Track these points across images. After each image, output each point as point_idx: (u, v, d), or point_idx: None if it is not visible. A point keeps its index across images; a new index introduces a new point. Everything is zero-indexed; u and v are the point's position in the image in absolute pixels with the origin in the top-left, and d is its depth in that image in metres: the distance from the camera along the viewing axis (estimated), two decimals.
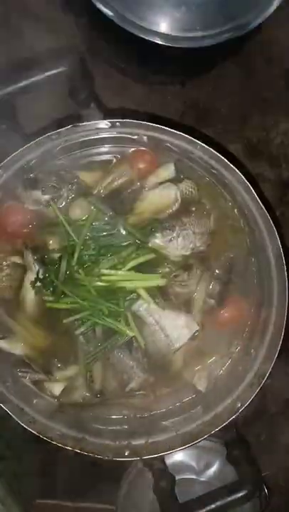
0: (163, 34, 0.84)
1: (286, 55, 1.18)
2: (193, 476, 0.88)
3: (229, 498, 0.70)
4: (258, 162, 1.22)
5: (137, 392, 0.86)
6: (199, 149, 0.76)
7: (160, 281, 0.83)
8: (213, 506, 0.69)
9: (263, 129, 1.21)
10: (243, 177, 0.74)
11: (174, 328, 0.85)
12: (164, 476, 0.74)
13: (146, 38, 0.82)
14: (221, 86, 1.19)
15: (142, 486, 0.92)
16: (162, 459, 0.76)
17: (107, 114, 0.71)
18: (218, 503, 0.70)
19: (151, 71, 1.08)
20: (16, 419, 0.73)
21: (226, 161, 0.78)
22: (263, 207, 0.73)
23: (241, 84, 1.20)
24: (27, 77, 0.63)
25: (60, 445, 0.73)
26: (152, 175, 0.84)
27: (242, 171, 0.81)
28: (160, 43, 0.80)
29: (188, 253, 0.85)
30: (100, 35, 0.83)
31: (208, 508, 0.69)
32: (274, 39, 1.16)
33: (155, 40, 0.80)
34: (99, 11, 0.77)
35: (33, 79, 0.63)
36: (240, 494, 0.70)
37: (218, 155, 0.77)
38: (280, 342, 0.73)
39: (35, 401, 0.81)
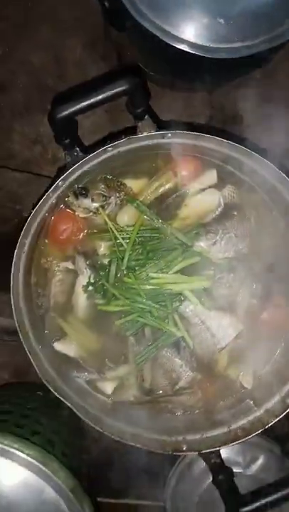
0: (199, 45, 0.87)
1: None
2: (240, 470, 0.92)
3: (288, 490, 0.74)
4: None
5: (186, 390, 0.90)
6: (242, 154, 0.79)
7: (205, 283, 0.87)
8: (276, 496, 0.72)
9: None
10: (283, 174, 0.77)
11: (220, 328, 0.88)
12: (222, 469, 0.78)
13: (188, 50, 0.85)
14: (246, 91, 1.22)
15: (189, 479, 0.96)
16: (218, 453, 0.80)
17: (159, 125, 0.74)
18: (280, 493, 0.73)
19: (182, 81, 1.12)
20: (80, 415, 0.77)
21: (267, 161, 0.79)
22: None
23: (266, 88, 1.23)
24: (89, 98, 0.66)
25: (121, 440, 0.77)
26: (196, 181, 0.88)
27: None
28: (202, 54, 0.83)
29: (231, 255, 0.89)
30: (147, 52, 0.86)
31: (271, 497, 0.73)
32: None
33: (197, 52, 0.84)
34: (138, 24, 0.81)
35: (94, 99, 0.66)
36: None
37: (260, 157, 0.79)
38: None
39: (89, 400, 0.85)
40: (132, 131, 0.73)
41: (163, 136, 0.74)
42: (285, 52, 1.19)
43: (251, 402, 0.85)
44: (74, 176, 0.76)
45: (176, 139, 0.76)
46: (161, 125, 0.74)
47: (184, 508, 0.96)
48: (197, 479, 0.94)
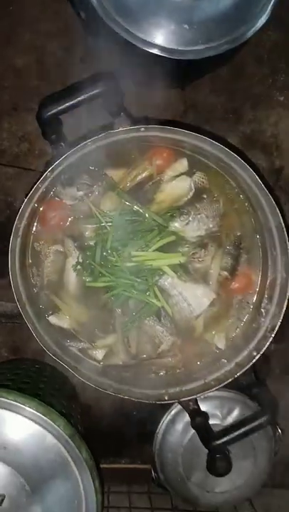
0: (168, 48, 0.97)
1: (272, 55, 1.33)
2: (218, 422, 1.05)
3: (252, 424, 0.88)
4: (253, 152, 1.38)
5: (168, 353, 1.02)
6: (208, 144, 0.90)
7: (181, 259, 0.98)
8: (240, 431, 0.86)
9: (256, 122, 1.36)
10: (246, 164, 0.89)
11: (195, 298, 1.00)
12: (198, 413, 0.91)
13: (154, 52, 0.95)
14: (217, 87, 1.34)
15: (173, 433, 1.08)
16: (195, 401, 0.92)
17: (133, 121, 0.85)
18: (244, 428, 0.87)
19: (155, 80, 1.22)
20: (76, 374, 0.89)
21: (231, 152, 0.91)
22: (266, 188, 0.88)
23: (234, 84, 1.35)
24: (71, 99, 0.77)
25: (114, 394, 0.89)
26: (169, 169, 0.99)
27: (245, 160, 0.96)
28: (170, 57, 0.94)
29: (203, 234, 1.00)
30: (121, 56, 0.96)
31: (237, 432, 0.86)
32: (261, 42, 1.32)
33: (166, 55, 0.94)
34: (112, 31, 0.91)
35: (75, 100, 0.77)
36: (261, 420, 0.88)
37: (223, 147, 0.90)
38: (286, 301, 0.89)
39: (83, 364, 0.97)
40: (109, 127, 0.84)
41: (137, 131, 0.85)
42: (249, 48, 1.32)
43: (225, 361, 0.98)
44: (60, 168, 0.87)
45: (148, 133, 0.87)
46: (135, 121, 0.85)
47: (171, 458, 1.09)
48: (181, 432, 1.07)
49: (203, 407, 1.02)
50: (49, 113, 0.77)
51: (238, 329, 1.01)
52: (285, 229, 0.87)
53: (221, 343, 1.01)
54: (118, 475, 1.42)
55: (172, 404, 1.08)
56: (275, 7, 0.97)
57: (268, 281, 0.97)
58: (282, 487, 1.38)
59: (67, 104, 0.77)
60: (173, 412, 1.07)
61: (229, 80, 1.34)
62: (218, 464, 1.02)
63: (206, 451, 1.06)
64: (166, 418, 1.08)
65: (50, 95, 0.79)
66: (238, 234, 1.02)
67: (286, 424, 1.39)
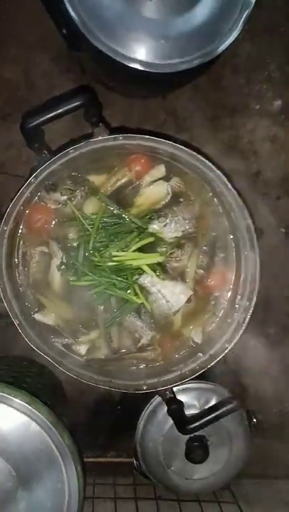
0: (147, 62, 1.04)
1: (247, 65, 1.40)
2: (196, 412, 1.11)
3: (222, 409, 0.94)
4: (231, 158, 1.45)
5: (148, 348, 1.08)
6: (183, 152, 0.97)
7: (159, 258, 1.04)
8: (212, 415, 0.93)
9: (233, 130, 1.44)
10: (218, 172, 0.95)
11: (173, 295, 1.07)
12: (174, 401, 0.97)
13: (134, 66, 1.02)
14: (195, 97, 1.41)
15: (154, 423, 1.14)
16: (171, 390, 0.99)
17: (112, 130, 0.92)
18: (215, 413, 0.94)
19: (137, 90, 1.29)
20: (59, 367, 0.95)
21: (204, 159, 0.97)
22: (236, 193, 0.95)
23: (213, 93, 1.42)
24: (52, 111, 0.84)
25: (94, 384, 0.95)
26: (147, 175, 1.06)
27: (218, 166, 1.03)
28: (148, 70, 1.00)
29: (180, 235, 1.07)
30: (103, 68, 1.03)
31: (208, 417, 0.93)
32: (237, 53, 1.39)
33: (144, 69, 1.00)
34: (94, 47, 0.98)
35: (56, 112, 0.84)
36: (231, 405, 0.94)
37: (198, 156, 0.97)
38: (255, 296, 0.96)
39: (67, 359, 1.03)
40: (89, 136, 0.90)
41: (114, 139, 0.91)
42: (225, 59, 1.40)
43: (200, 354, 1.04)
44: (44, 174, 0.93)
45: (126, 141, 0.93)
46: (113, 130, 0.91)
47: (151, 447, 1.14)
48: (161, 422, 1.13)
49: (182, 398, 1.08)
50: (31, 124, 0.84)
51: (213, 324, 1.08)
52: (253, 230, 0.94)
53: (197, 337, 1.07)
54: (104, 468, 1.48)
55: (153, 396, 1.14)
56: (246, 22, 1.04)
57: (241, 278, 1.03)
58: (262, 477, 1.44)
59: (48, 116, 0.84)
60: (154, 403, 1.13)
61: (208, 90, 1.41)
62: (196, 451, 1.09)
63: (185, 440, 1.12)
64: (148, 408, 1.14)
65: (32, 108, 0.85)
66: (213, 234, 1.09)
67: (267, 415, 1.46)
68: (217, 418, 0.94)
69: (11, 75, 1.28)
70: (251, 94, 1.43)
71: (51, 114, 0.83)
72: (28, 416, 0.86)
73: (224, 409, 0.94)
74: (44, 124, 0.84)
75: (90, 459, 1.49)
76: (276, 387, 1.40)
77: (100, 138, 0.89)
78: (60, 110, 0.83)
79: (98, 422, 1.44)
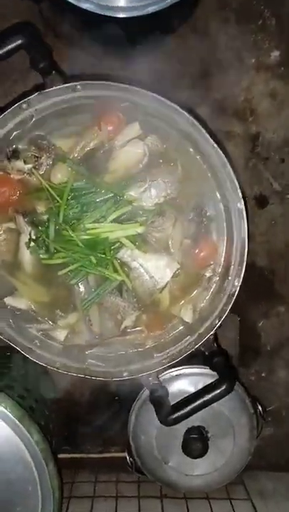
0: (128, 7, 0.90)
1: (238, 15, 1.25)
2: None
3: (211, 394, 0.82)
4: (226, 119, 1.31)
5: (132, 330, 0.97)
6: (155, 102, 0.84)
7: (139, 229, 0.92)
8: (198, 402, 0.80)
9: (227, 88, 1.29)
10: (194, 120, 0.82)
11: (157, 269, 0.95)
12: (158, 388, 0.85)
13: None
14: (182, 54, 1.27)
15: (146, 414, 1.03)
16: (156, 376, 0.87)
17: (68, 80, 0.80)
18: (202, 399, 0.81)
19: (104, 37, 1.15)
20: (30, 358, 0.85)
21: (177, 107, 0.84)
22: (217, 147, 0.82)
23: (201, 50, 1.28)
24: None
25: (64, 372, 0.84)
26: (120, 135, 0.93)
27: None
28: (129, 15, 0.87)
29: (161, 201, 0.94)
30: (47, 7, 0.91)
31: (194, 404, 0.80)
32: (227, 3, 1.24)
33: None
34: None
35: None
36: (220, 389, 0.82)
37: (170, 103, 0.83)
38: (244, 266, 0.83)
39: (43, 346, 0.93)
40: (42, 87, 0.79)
41: (73, 89, 0.80)
42: (214, 11, 1.25)
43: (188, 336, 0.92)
44: None
45: (87, 92, 0.81)
46: (70, 79, 0.79)
47: (145, 440, 1.03)
48: (153, 413, 1.00)
49: (176, 385, 0.97)
50: None
51: (205, 300, 0.95)
52: (238, 186, 0.80)
53: (188, 316, 0.95)
54: (106, 465, 1.38)
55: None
56: None
57: (234, 246, 0.90)
58: (277, 469, 1.31)
59: None
60: (146, 393, 1.02)
61: (195, 47, 1.27)
62: (194, 444, 0.97)
63: (182, 432, 1.01)
64: (140, 398, 1.03)
65: None
66: (200, 199, 0.96)
67: (279, 403, 1.33)
68: (204, 405, 0.81)
69: None
70: (245, 46, 1.28)
71: None
72: None
73: (212, 394, 0.81)
74: None
75: (91, 455, 1.39)
76: None
77: (53, 88, 0.77)
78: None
79: (96, 415, 1.34)
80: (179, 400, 0.86)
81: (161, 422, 0.84)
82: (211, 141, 0.80)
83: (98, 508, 1.21)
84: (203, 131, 0.80)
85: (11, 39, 0.72)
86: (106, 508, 1.22)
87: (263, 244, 1.33)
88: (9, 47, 0.72)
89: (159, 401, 0.84)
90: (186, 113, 0.81)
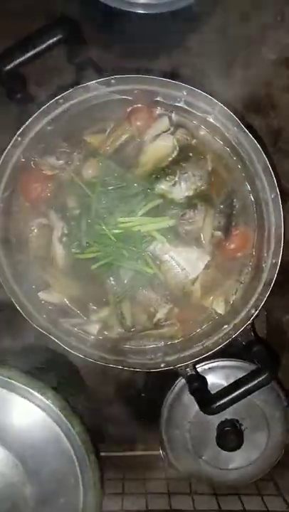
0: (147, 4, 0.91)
1: (256, 9, 1.26)
2: None
3: (253, 382, 0.81)
4: (247, 115, 1.31)
5: (165, 322, 0.97)
6: (186, 92, 0.85)
7: (170, 222, 0.93)
8: (240, 390, 0.80)
9: (248, 83, 1.30)
10: (233, 115, 0.83)
11: (189, 262, 0.95)
12: (196, 378, 0.85)
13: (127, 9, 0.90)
14: (202, 51, 1.28)
15: (179, 408, 1.02)
16: (194, 366, 0.87)
17: (104, 75, 0.81)
18: (245, 387, 0.81)
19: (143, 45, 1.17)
20: (70, 350, 0.85)
21: (216, 101, 0.85)
22: (256, 143, 0.83)
23: (221, 45, 1.29)
24: (29, 49, 0.74)
25: (102, 364, 0.84)
26: (149, 129, 0.94)
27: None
28: (147, 11, 0.88)
29: (191, 194, 0.95)
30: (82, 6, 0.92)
31: (237, 392, 0.80)
32: None
33: (143, 11, 0.89)
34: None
35: (35, 50, 0.74)
36: (261, 378, 0.81)
37: (209, 97, 0.85)
38: (281, 251, 0.83)
39: (77, 340, 0.93)
40: (77, 83, 0.80)
41: (108, 83, 0.81)
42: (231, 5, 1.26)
43: (226, 326, 0.92)
44: (33, 133, 0.84)
45: (121, 86, 0.82)
46: (105, 74, 0.80)
47: (178, 434, 1.03)
48: (186, 406, 1.01)
49: (208, 378, 0.97)
50: (7, 67, 0.74)
51: (237, 292, 0.95)
52: (272, 173, 0.80)
53: (220, 307, 0.95)
54: (134, 462, 1.38)
55: (176, 378, 1.02)
56: None
57: (265, 235, 0.90)
58: None
59: (27, 55, 0.73)
60: (178, 386, 1.02)
61: (215, 42, 1.28)
62: (229, 437, 0.97)
63: (216, 425, 1.00)
64: (172, 391, 1.02)
65: (7, 48, 0.75)
66: (230, 191, 0.96)
67: None
68: (246, 393, 0.81)
69: None
70: (264, 41, 1.29)
71: (31, 53, 0.73)
72: (31, 401, 0.77)
73: (253, 383, 0.80)
74: (22, 66, 0.74)
75: (118, 453, 1.39)
76: None
77: (90, 83, 0.79)
78: (40, 45, 0.73)
79: (123, 412, 1.34)
80: (216, 391, 0.86)
81: (203, 411, 0.83)
82: (249, 134, 0.80)
83: (128, 506, 1.21)
84: (241, 124, 0.81)
85: (53, 33, 0.73)
86: (137, 505, 1.22)
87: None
88: (50, 41, 0.73)
89: (199, 390, 0.84)
90: (222, 105, 0.81)
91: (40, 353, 1.15)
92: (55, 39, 0.73)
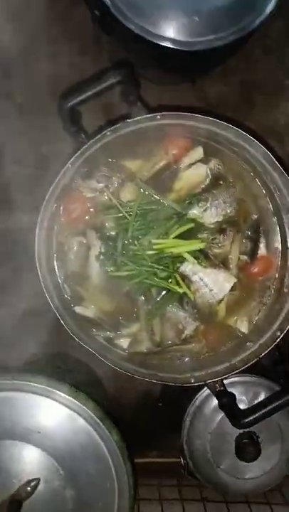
0: (179, 41, 1.00)
1: (278, 44, 1.34)
2: (246, 407, 1.05)
3: (280, 400, 0.87)
4: (266, 142, 1.39)
5: (192, 339, 1.03)
6: (222, 128, 0.92)
7: (200, 245, 0.99)
8: (269, 407, 0.86)
9: (267, 112, 1.38)
10: (264, 148, 0.90)
11: (216, 283, 1.02)
12: (225, 394, 0.92)
13: (166, 45, 0.98)
14: (227, 79, 1.36)
15: (201, 419, 1.09)
16: (221, 382, 0.93)
17: (149, 110, 0.88)
18: (271, 405, 0.87)
19: (167, 75, 1.25)
20: (104, 360, 0.90)
21: (248, 136, 0.92)
22: (282, 169, 0.90)
23: (244, 75, 1.37)
24: (92, 88, 0.81)
25: (140, 377, 0.90)
26: (185, 158, 1.01)
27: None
28: (181, 48, 0.96)
29: (221, 219, 1.02)
30: (134, 51, 0.99)
31: (264, 409, 0.87)
32: (268, 31, 1.33)
33: (177, 47, 0.97)
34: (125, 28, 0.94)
35: (96, 89, 0.81)
36: (285, 399, 0.88)
37: (242, 132, 0.92)
38: None
39: (109, 352, 0.99)
40: (126, 116, 0.86)
41: (153, 119, 0.87)
42: (255, 38, 1.34)
43: (250, 344, 0.98)
44: (81, 160, 0.90)
45: (164, 121, 0.89)
46: (150, 109, 0.87)
47: (199, 444, 1.09)
48: (208, 418, 1.07)
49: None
50: (69, 104, 0.80)
51: (260, 312, 1.02)
52: None
53: (244, 327, 1.02)
54: (148, 469, 1.43)
55: (198, 391, 1.09)
56: None
57: (288, 262, 0.97)
58: None
59: (86, 95, 0.80)
60: (200, 399, 1.08)
61: (239, 71, 1.36)
62: (247, 449, 1.03)
63: (234, 437, 1.07)
64: (194, 404, 1.09)
65: (69, 89, 0.82)
66: (256, 217, 1.03)
67: None
68: (274, 411, 0.87)
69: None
70: (286, 74, 1.37)
71: (89, 93, 0.80)
72: (74, 411, 0.83)
73: (282, 400, 0.87)
74: (82, 104, 0.81)
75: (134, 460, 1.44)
76: None
77: (138, 118, 0.85)
78: (101, 85, 0.79)
79: (140, 420, 1.40)
80: (240, 406, 0.92)
81: (234, 425, 0.89)
82: (287, 177, 0.87)
83: (145, 511, 1.26)
84: (273, 158, 0.88)
85: (113, 75, 0.80)
86: (152, 510, 1.27)
87: None
88: (109, 82, 0.80)
89: (229, 406, 0.90)
90: (256, 141, 0.89)
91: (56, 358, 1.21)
92: (114, 81, 0.80)
